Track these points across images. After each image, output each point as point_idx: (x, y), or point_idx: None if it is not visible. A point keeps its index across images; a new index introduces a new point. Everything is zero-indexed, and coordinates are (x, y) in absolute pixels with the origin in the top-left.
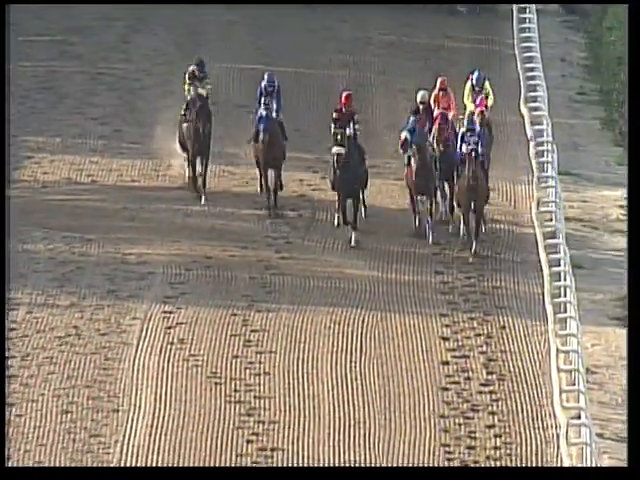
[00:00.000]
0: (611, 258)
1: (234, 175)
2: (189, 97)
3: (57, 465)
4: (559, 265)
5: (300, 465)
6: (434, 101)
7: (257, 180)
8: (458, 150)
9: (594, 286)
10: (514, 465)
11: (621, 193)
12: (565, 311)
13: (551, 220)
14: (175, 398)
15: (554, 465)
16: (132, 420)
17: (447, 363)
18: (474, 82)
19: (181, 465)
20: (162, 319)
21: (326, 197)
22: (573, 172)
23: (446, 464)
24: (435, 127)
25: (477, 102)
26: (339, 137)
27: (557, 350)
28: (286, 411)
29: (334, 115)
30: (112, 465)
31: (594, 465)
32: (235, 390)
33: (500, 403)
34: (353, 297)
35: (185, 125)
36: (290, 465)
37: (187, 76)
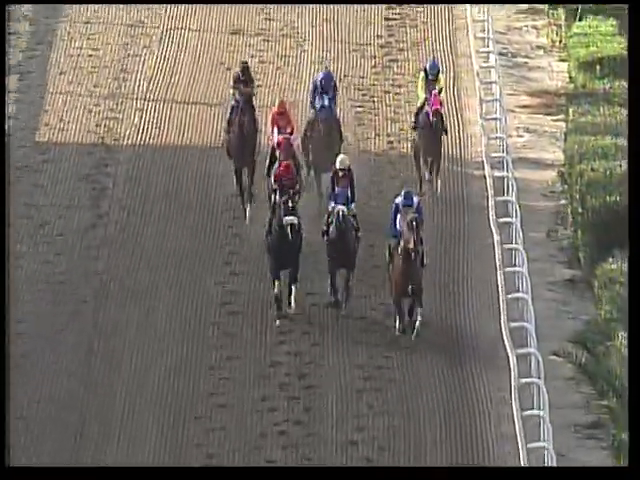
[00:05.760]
0: None
1: None
2: (233, 101)
3: None
4: None
5: None
6: (271, 122)
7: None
8: (391, 220)
9: None
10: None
11: None
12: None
13: None
14: None
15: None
16: None
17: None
18: (428, 69)
19: None
20: None
21: None
22: None
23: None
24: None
25: (431, 99)
26: (290, 205)
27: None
28: None
29: (275, 185)
30: None
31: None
32: None
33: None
34: None
35: (230, 130)
36: None
37: (232, 80)
